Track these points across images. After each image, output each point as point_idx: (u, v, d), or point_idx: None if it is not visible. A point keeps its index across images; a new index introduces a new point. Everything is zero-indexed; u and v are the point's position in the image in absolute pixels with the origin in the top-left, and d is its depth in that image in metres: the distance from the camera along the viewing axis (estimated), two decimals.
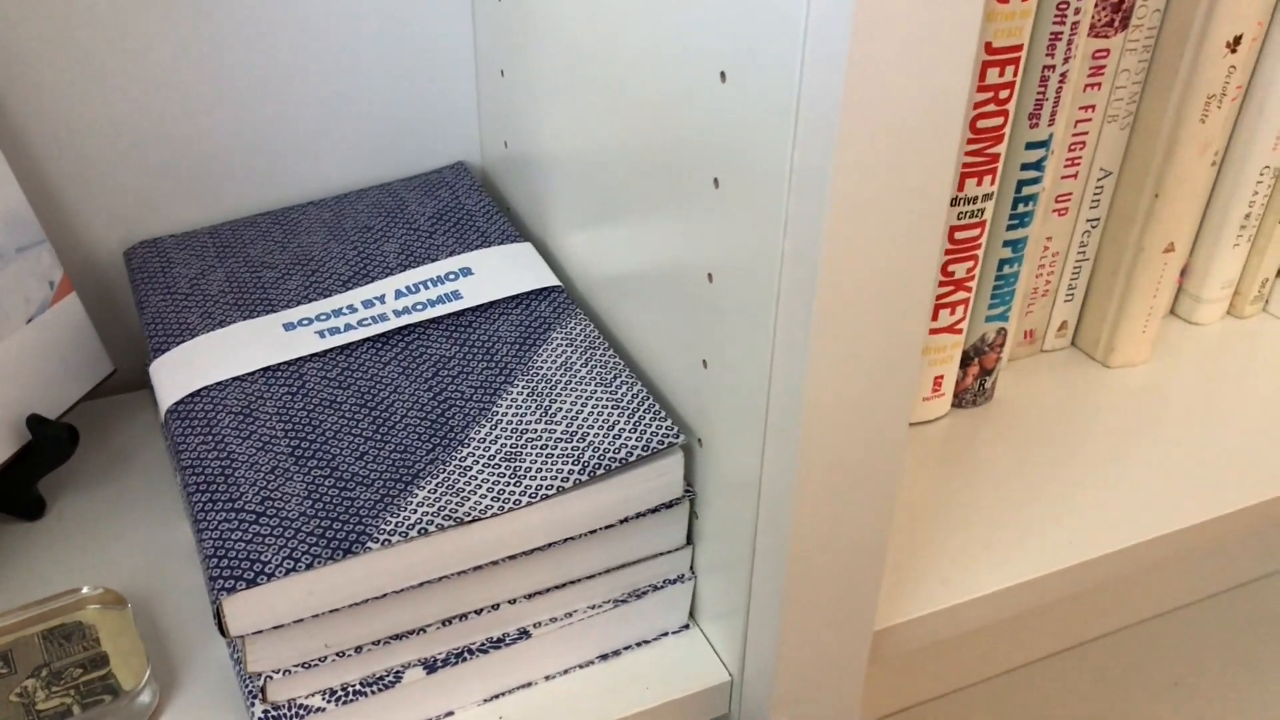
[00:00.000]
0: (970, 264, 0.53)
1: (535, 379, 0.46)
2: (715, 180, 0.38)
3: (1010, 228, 0.54)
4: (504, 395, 0.46)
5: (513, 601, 0.43)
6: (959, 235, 0.52)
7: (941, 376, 0.56)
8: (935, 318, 0.54)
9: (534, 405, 0.45)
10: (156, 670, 0.45)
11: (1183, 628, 0.96)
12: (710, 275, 0.40)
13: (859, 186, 0.33)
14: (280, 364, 0.48)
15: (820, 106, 0.32)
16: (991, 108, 0.48)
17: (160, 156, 0.57)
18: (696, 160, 0.39)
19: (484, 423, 0.44)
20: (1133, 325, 0.60)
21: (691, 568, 0.46)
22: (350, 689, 0.41)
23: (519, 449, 0.43)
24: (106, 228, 0.58)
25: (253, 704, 0.41)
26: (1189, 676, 0.91)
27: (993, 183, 0.50)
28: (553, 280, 0.52)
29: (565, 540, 0.43)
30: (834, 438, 0.38)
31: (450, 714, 0.44)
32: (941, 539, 0.50)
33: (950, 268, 0.52)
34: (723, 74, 0.36)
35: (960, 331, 0.55)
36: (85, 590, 0.45)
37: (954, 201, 0.51)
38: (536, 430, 0.44)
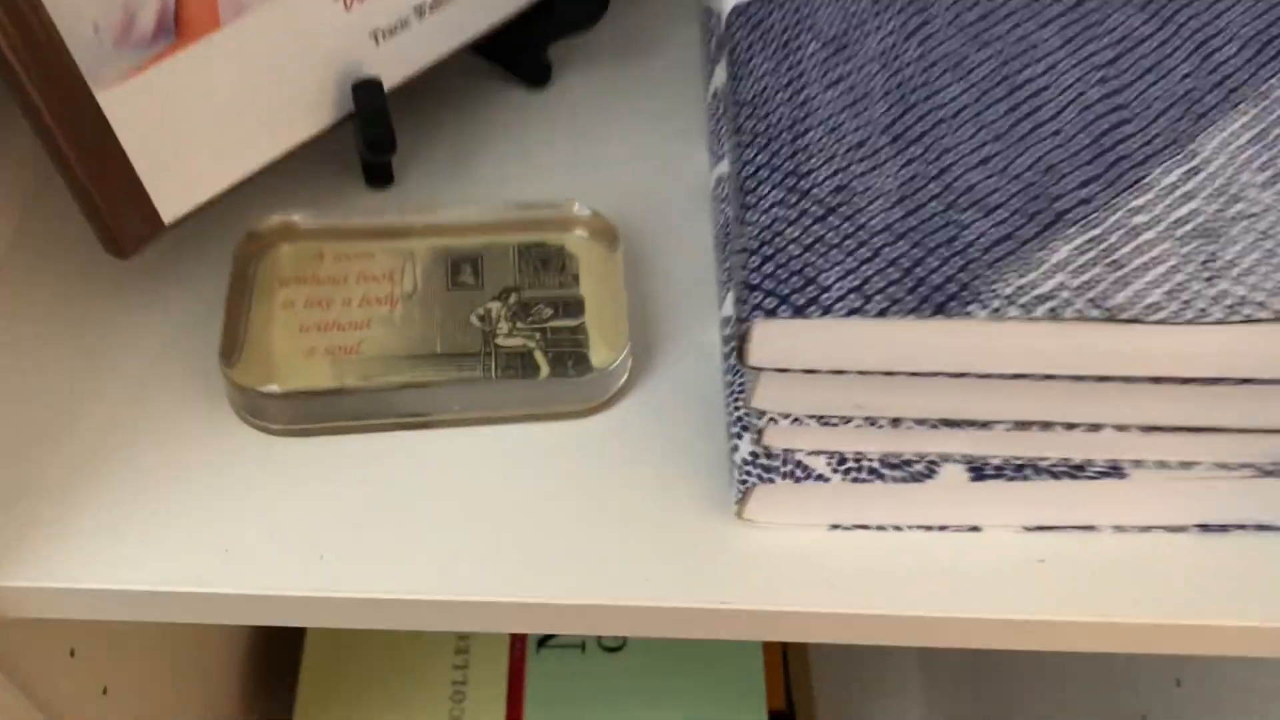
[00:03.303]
0: None
1: (1270, 112, 0.30)
2: None
3: None
4: (1213, 126, 0.30)
5: (1122, 428, 0.30)
6: None
7: None
8: None
9: (1257, 153, 0.29)
10: (634, 334, 0.36)
11: None
12: None
13: None
14: None
15: None
16: None
17: None
18: None
19: (1173, 163, 0.29)
20: None
21: None
22: (865, 464, 0.31)
23: (1218, 226, 0.28)
24: None
25: (739, 435, 0.31)
26: None
27: None
28: None
29: (1243, 381, 0.28)
30: None
31: (976, 529, 0.32)
32: None
33: None
34: None
35: None
36: (577, 208, 0.36)
37: None
38: (1250, 198, 0.28)
